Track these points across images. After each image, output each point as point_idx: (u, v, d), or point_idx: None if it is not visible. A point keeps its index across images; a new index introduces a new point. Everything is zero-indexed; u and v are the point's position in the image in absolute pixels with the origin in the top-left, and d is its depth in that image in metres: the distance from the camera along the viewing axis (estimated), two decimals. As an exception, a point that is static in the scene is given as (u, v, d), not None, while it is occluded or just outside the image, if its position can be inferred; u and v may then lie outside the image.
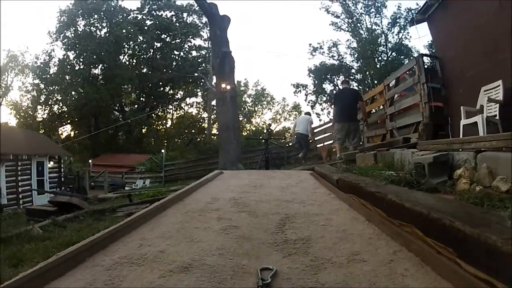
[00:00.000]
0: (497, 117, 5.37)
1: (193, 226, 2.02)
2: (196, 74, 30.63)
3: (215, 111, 28.19)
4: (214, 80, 23.85)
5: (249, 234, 1.85)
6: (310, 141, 12.09)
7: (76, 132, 32.08)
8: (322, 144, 13.13)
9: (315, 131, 12.93)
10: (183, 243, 1.67)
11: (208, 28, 27.43)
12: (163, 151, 21.80)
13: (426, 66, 8.16)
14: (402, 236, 1.76)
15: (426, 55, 11.14)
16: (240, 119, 27.86)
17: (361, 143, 9.21)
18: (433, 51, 13.02)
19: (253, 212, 2.40)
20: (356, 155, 5.57)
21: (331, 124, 11.17)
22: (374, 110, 10.50)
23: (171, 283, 1.23)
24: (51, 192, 11.02)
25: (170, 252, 1.55)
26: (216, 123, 29.82)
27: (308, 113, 13.19)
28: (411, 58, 16.68)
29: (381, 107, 9.71)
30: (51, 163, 16.96)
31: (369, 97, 10.44)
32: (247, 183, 4.01)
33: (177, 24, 31.29)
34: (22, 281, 1.29)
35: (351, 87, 11.10)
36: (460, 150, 3.15)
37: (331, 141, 11.18)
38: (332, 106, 9.62)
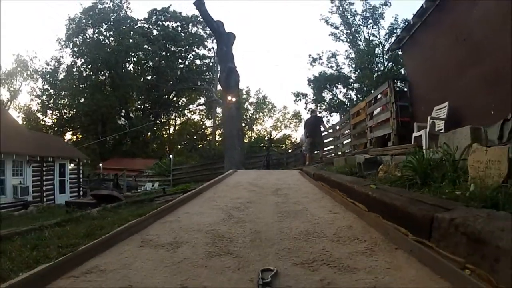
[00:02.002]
0: (443, 131, 7.58)
1: (233, 190, 4.33)
2: (199, 83, 33.10)
3: (218, 119, 30.66)
4: (219, 87, 26.29)
5: (260, 192, 4.15)
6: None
7: (80, 136, 34.31)
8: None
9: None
10: (233, 193, 3.97)
11: (213, 38, 29.88)
12: (171, 156, 23.95)
13: (398, 88, 10.42)
14: (330, 193, 4.03)
15: (397, 79, 13.27)
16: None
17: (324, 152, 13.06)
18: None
19: (261, 187, 4.69)
20: (333, 159, 7.85)
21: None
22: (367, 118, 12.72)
23: (234, 201, 3.52)
24: (96, 188, 13.29)
25: (228, 195, 3.87)
26: (219, 130, 32.32)
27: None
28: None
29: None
30: (72, 165, 19.24)
31: (355, 111, 12.69)
32: (255, 176, 6.31)
33: (182, 35, 33.76)
34: (169, 203, 3.54)
35: (317, 115, 14.69)
36: (385, 154, 5.43)
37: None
38: (304, 128, 13.45)
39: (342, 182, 3.93)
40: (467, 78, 7.91)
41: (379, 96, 10.85)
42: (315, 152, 13.56)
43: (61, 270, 1.62)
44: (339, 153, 13.06)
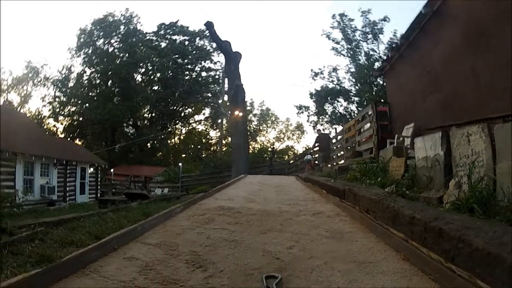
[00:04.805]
0: (409, 146, 10.18)
1: (249, 185, 7.10)
2: (205, 95, 36.10)
3: (224, 129, 33.47)
4: (225, 98, 29.13)
5: (266, 187, 6.91)
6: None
7: (85, 143, 36.99)
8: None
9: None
10: (249, 186, 6.70)
11: (219, 52, 32.74)
12: (180, 164, 26.51)
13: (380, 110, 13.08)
14: (310, 187, 6.74)
15: (379, 102, 15.64)
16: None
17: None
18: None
19: (267, 184, 7.43)
20: (323, 168, 10.54)
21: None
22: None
23: (252, 189, 6.23)
24: (127, 188, 16.04)
25: (246, 187, 6.58)
26: (224, 140, 35.14)
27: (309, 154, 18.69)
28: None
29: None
30: (91, 169, 21.95)
31: (347, 127, 15.35)
32: (262, 179, 9.10)
33: (190, 48, 36.67)
34: (195, 196, 6.23)
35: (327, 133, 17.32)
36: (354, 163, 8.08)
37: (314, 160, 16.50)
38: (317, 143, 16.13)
39: (318, 180, 6.62)
40: (427, 103, 10.59)
41: (366, 116, 13.48)
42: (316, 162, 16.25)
43: (191, 204, 4.28)
44: (334, 163, 15.68)
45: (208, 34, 31.43)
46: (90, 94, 35.56)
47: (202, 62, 37.83)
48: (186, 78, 37.62)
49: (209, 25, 21.35)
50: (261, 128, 41.28)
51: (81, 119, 35.32)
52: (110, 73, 34.24)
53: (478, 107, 7.60)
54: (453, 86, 9.04)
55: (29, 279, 1.72)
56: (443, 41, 9.63)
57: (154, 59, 34.67)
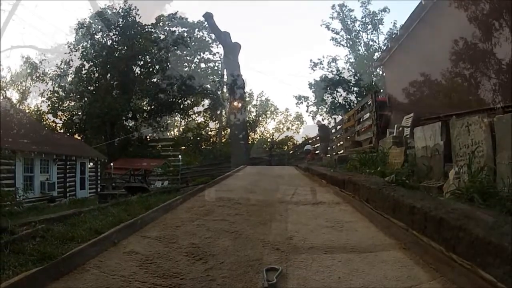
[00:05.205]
0: (408, 135, 10.18)
1: (249, 175, 7.07)
2: (203, 86, 35.90)
3: (223, 120, 33.41)
4: (224, 90, 29.06)
5: (266, 178, 6.89)
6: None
7: (84, 137, 36.86)
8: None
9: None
10: (249, 176, 6.67)
11: (217, 43, 32.58)
12: (180, 156, 26.50)
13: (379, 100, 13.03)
14: (309, 177, 6.73)
15: (378, 92, 15.61)
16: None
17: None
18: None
19: (267, 175, 7.44)
20: (323, 158, 10.53)
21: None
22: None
23: (251, 179, 6.21)
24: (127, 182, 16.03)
25: (246, 177, 6.57)
26: (223, 131, 35.07)
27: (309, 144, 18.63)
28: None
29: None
30: (91, 164, 21.97)
31: (346, 117, 15.31)
32: (262, 169, 9.09)
33: (188, 40, 36.35)
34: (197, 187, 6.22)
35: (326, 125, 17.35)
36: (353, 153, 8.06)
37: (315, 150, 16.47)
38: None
39: (318, 170, 6.61)
40: (427, 93, 10.57)
41: (365, 106, 13.45)
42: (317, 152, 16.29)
43: (191, 195, 4.27)
44: (334, 153, 15.69)
45: (207, 25, 31.27)
46: (89, 88, 35.30)
47: (201, 53, 37.66)
48: (185, 69, 37.38)
49: (208, 16, 21.23)
50: (260, 118, 41.12)
51: (80, 113, 35.12)
52: (108, 66, 33.96)
53: (477, 98, 7.61)
54: (453, 77, 9.05)
55: (29, 278, 1.71)
56: (443, 32, 9.60)
57: (153, 51, 34.39)
